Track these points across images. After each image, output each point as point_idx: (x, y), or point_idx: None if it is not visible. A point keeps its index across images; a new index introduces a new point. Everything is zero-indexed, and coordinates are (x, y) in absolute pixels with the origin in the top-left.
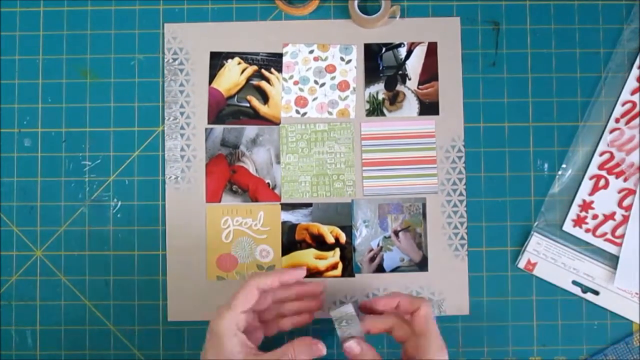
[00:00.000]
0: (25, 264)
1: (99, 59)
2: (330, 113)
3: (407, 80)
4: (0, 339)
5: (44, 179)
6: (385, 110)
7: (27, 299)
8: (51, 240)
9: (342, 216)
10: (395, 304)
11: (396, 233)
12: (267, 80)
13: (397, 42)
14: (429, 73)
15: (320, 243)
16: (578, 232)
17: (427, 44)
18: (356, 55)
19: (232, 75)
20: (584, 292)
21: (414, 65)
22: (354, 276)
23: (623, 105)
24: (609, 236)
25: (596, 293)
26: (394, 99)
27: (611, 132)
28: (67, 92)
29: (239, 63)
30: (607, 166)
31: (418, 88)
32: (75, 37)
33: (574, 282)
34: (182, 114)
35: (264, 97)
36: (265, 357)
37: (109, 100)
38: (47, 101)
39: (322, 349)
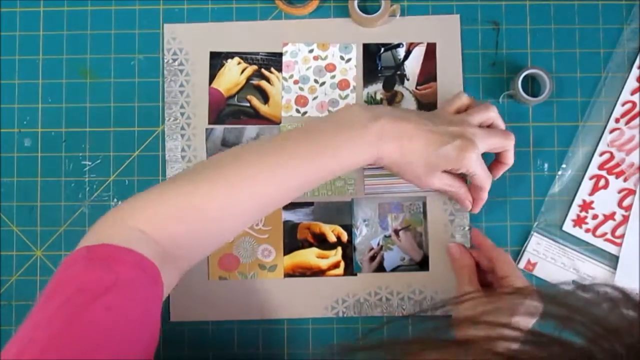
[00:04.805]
0: (25, 264)
1: (99, 59)
2: (330, 112)
3: (405, 81)
4: (0, 339)
5: (44, 179)
6: None
7: (27, 299)
8: (51, 240)
9: (343, 215)
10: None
11: (396, 232)
12: (267, 80)
13: (396, 43)
14: (427, 74)
15: (321, 242)
16: (578, 232)
17: (425, 44)
18: (356, 54)
19: (232, 75)
20: None
21: (412, 66)
22: (355, 275)
23: (623, 105)
24: (609, 236)
25: None
26: (392, 100)
27: (611, 132)
28: (67, 92)
29: (239, 63)
30: (607, 166)
31: (416, 89)
32: (75, 37)
33: (574, 282)
34: (182, 114)
35: (264, 97)
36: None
37: (109, 100)
38: (47, 101)
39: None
